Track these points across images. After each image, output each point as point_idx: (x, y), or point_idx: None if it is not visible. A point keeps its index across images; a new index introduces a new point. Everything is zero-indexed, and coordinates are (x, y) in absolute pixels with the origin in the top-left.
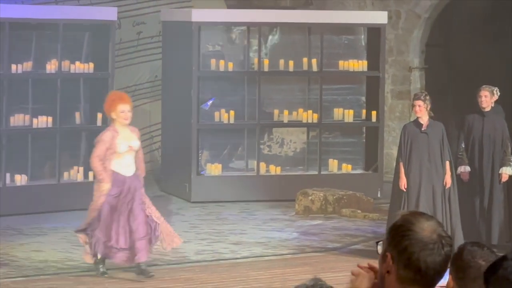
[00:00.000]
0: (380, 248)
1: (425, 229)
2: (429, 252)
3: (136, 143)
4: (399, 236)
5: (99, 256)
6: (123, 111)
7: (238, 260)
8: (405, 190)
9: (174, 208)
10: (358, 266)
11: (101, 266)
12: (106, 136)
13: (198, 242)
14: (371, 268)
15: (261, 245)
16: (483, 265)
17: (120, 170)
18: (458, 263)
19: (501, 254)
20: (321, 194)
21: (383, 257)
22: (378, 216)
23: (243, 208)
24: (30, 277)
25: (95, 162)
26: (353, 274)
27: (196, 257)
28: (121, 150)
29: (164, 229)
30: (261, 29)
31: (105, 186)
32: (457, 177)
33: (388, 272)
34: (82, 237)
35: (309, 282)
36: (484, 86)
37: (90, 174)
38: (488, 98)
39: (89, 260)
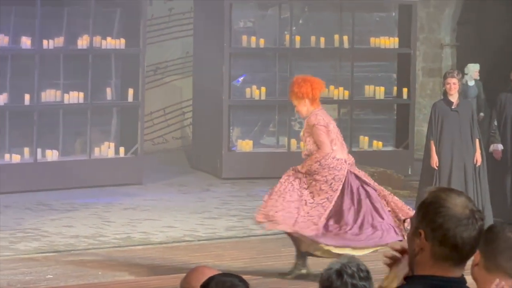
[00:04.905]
0: (407, 225)
1: (458, 204)
2: (464, 228)
3: None
4: (432, 213)
5: None
6: None
7: (268, 237)
8: (436, 168)
9: (205, 185)
10: (391, 247)
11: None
12: None
13: (229, 219)
14: (404, 250)
15: None
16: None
17: None
18: (488, 235)
19: None
20: None
21: (415, 235)
22: (408, 193)
23: (273, 185)
24: (61, 252)
25: None
26: (387, 257)
27: (227, 233)
28: None
29: None
30: (293, 6)
31: None
32: (489, 155)
33: (421, 249)
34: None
35: (343, 260)
36: None
37: (121, 150)
38: None
39: None
